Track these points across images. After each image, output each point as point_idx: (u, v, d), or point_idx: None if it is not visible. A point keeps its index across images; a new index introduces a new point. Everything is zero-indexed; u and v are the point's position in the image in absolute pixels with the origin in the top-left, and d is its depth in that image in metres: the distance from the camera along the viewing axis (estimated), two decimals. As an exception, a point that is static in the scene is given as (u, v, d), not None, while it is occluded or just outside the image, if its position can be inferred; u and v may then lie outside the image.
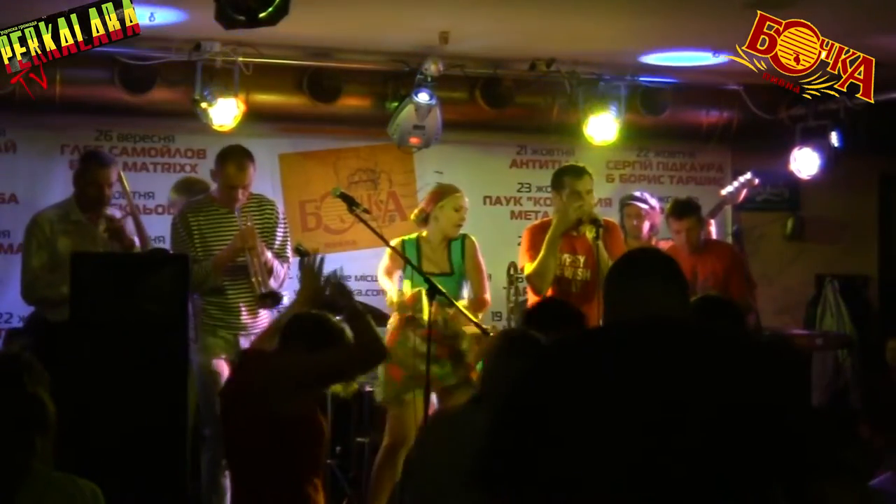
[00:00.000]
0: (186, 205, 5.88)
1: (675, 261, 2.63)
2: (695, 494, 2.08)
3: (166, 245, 6.07)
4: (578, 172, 6.02)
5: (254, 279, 5.54)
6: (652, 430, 2.10)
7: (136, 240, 5.84)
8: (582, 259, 5.91)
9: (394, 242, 5.86)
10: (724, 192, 7.19)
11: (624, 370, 2.18)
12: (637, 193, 6.99)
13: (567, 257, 5.83)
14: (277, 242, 5.78)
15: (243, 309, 5.67)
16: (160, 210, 6.95)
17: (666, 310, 2.43)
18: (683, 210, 6.58)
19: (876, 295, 8.40)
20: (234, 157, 5.71)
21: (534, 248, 5.95)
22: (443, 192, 6.00)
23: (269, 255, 5.64)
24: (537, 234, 6.01)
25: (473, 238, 6.05)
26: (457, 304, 5.61)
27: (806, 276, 8.04)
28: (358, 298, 6.61)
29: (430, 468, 3.41)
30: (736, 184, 7.06)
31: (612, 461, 2.09)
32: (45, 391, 2.72)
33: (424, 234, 5.98)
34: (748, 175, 6.95)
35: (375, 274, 7.30)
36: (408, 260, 5.74)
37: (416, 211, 6.12)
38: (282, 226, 5.83)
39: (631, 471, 2.08)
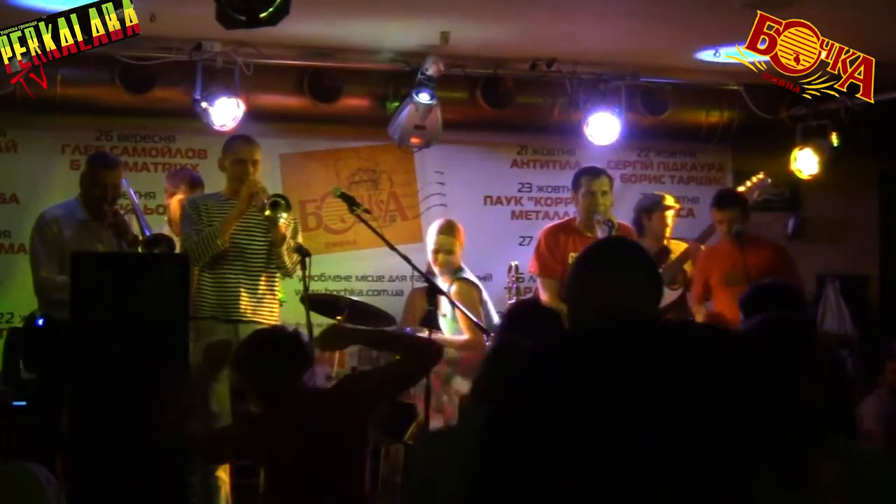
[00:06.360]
0: (197, 195, 5.97)
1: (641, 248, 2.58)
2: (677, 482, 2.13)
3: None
4: (595, 173, 6.15)
5: (272, 234, 5.55)
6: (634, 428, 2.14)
7: (140, 236, 5.84)
8: None
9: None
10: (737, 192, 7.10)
11: (605, 373, 2.21)
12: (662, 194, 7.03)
13: None
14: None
15: (243, 294, 5.58)
16: (161, 210, 6.93)
17: (635, 303, 2.39)
18: (726, 200, 6.42)
19: (877, 295, 8.40)
20: (237, 137, 5.87)
21: (540, 257, 6.15)
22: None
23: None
24: (550, 237, 6.05)
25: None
26: (458, 306, 5.70)
27: (806, 276, 8.00)
28: (358, 298, 6.65)
29: (424, 486, 3.36)
30: (748, 183, 6.97)
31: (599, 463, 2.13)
32: None
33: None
34: (760, 174, 6.90)
35: (376, 274, 7.29)
36: (408, 260, 5.73)
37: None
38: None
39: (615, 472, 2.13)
